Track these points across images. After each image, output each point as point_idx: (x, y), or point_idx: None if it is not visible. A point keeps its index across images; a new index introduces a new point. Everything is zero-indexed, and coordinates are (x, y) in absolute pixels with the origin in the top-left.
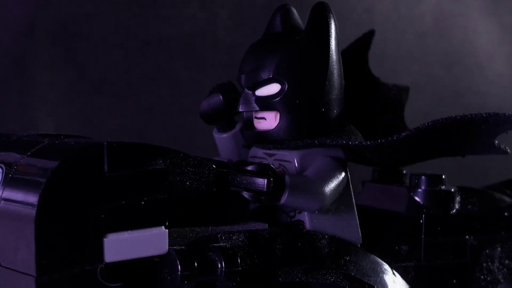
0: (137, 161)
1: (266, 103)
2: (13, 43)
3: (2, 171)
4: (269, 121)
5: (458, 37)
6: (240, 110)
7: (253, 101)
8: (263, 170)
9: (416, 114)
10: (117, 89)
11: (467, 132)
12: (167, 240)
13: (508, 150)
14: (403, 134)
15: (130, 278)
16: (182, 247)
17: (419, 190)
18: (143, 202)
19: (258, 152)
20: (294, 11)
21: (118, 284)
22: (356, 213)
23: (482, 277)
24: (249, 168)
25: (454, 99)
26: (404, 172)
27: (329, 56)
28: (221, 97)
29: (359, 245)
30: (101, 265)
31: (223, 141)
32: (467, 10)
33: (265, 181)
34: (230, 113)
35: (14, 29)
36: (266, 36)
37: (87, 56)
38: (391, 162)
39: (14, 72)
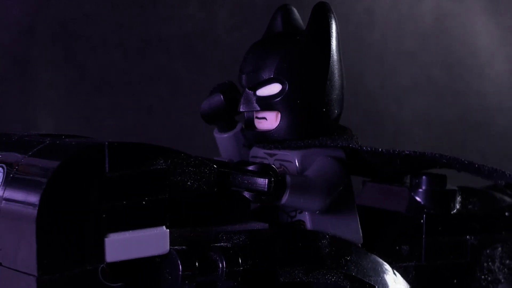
0: (138, 161)
1: (267, 103)
2: (13, 43)
3: (3, 171)
4: (270, 121)
5: (458, 37)
6: (241, 110)
7: (254, 101)
8: (264, 170)
9: (416, 114)
10: (117, 89)
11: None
12: (168, 240)
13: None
14: (407, 152)
15: (131, 278)
16: (183, 247)
17: (420, 190)
18: (144, 202)
19: (259, 152)
20: (295, 11)
21: (119, 284)
22: (357, 213)
23: (482, 277)
24: (250, 168)
25: (454, 99)
26: None
27: (330, 56)
28: (221, 97)
29: (360, 245)
30: (102, 265)
31: (224, 141)
32: (467, 10)
33: (266, 181)
34: (231, 113)
35: (14, 29)
36: (267, 36)
37: (87, 56)
38: (391, 169)
39: (14, 72)
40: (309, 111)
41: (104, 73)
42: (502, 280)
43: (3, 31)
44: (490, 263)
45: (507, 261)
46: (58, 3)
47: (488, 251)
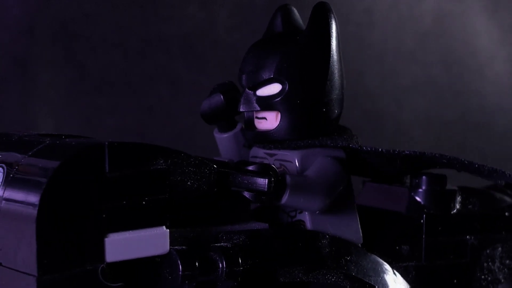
0: (138, 161)
1: (267, 103)
2: (13, 43)
3: (4, 171)
4: (270, 121)
5: (458, 37)
6: (241, 110)
7: (254, 101)
8: (264, 170)
9: (416, 114)
10: (117, 89)
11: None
12: (168, 240)
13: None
14: (407, 152)
15: (131, 278)
16: (183, 247)
17: (420, 190)
18: (144, 202)
19: (259, 152)
20: (295, 11)
21: (119, 284)
22: (357, 213)
23: (482, 277)
24: (250, 168)
25: (454, 99)
26: None
27: (330, 56)
28: (221, 97)
29: (360, 245)
30: (102, 265)
31: (224, 141)
32: (467, 10)
33: (266, 181)
34: (231, 113)
35: (14, 29)
36: (267, 36)
37: (87, 56)
38: (390, 169)
39: (14, 72)
40: (309, 111)
41: (104, 73)
42: (502, 280)
43: (3, 31)
44: (490, 263)
45: (507, 261)
46: (58, 3)
47: (488, 251)
